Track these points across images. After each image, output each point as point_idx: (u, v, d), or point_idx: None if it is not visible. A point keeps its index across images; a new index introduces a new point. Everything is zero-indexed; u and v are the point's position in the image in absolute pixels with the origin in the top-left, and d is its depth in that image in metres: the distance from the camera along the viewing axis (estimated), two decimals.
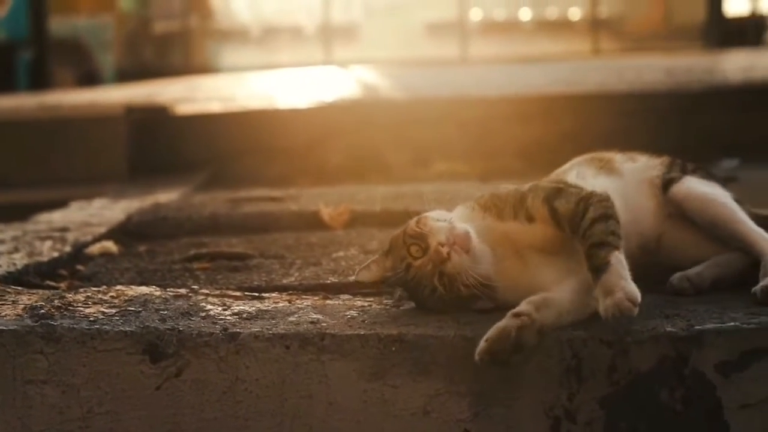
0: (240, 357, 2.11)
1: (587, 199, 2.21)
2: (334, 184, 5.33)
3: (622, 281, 2.07)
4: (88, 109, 6.94)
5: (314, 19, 17.42)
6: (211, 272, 2.84)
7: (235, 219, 3.59)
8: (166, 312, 2.26)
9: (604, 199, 2.22)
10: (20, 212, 4.15)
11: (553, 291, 2.15)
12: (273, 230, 3.49)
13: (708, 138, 5.91)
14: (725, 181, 4.42)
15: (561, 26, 18.29)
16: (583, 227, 2.16)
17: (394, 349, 2.08)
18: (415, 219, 2.24)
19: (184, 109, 6.38)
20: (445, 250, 2.14)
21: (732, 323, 2.12)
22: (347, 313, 2.26)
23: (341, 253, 3.00)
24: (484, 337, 2.01)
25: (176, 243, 3.31)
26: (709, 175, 2.57)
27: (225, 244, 3.24)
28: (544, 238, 2.23)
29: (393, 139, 6.11)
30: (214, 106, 6.56)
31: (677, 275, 2.40)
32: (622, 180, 2.46)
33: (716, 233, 2.43)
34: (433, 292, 2.18)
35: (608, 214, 2.18)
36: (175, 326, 2.16)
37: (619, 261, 2.10)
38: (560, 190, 2.28)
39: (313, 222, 3.54)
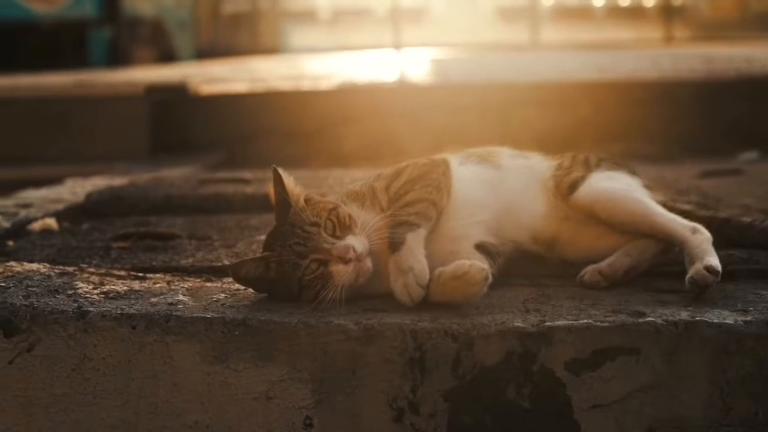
0: (88, 335, 2.12)
1: (415, 181, 2.23)
2: (346, 167, 5.32)
3: (412, 259, 2.07)
4: (112, 88, 7.05)
5: (385, 1, 17.38)
6: (126, 251, 2.86)
7: (189, 200, 3.61)
8: (35, 289, 2.30)
9: (431, 185, 2.21)
10: (23, 188, 4.21)
11: None
12: (225, 212, 3.50)
13: (731, 129, 5.77)
14: (729, 174, 4.29)
15: (634, 13, 17.96)
16: (397, 207, 2.18)
17: (237, 333, 2.08)
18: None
19: (205, 89, 6.42)
20: (351, 256, 2.10)
21: (585, 320, 2.07)
22: (216, 296, 2.27)
23: (263, 237, 2.99)
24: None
25: (123, 222, 3.34)
26: (615, 165, 2.49)
27: (165, 224, 3.27)
28: None
29: (412, 125, 6.09)
30: (237, 87, 6.59)
31: (589, 269, 2.35)
32: (499, 172, 2.40)
33: (634, 230, 2.37)
34: (297, 244, 2.14)
35: (428, 199, 2.19)
36: (32, 303, 2.18)
37: (415, 238, 2.11)
38: (399, 172, 2.28)
39: (265, 204, 3.53)
